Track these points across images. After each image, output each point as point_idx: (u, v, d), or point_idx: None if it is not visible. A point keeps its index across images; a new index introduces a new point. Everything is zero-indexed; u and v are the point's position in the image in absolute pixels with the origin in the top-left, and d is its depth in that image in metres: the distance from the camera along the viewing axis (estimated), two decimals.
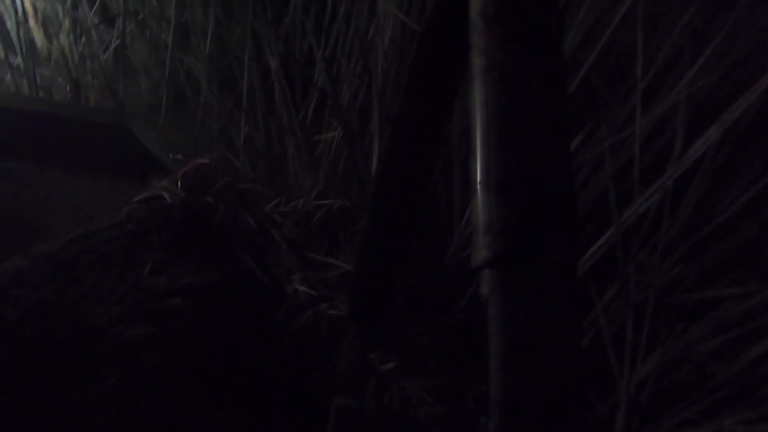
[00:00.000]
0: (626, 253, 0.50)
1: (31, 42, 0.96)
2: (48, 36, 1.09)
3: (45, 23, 1.10)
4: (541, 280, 0.21)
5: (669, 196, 0.46)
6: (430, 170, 0.35)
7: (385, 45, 0.67)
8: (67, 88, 1.02)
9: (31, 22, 1.02)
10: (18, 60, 0.97)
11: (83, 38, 1.06)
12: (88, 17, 1.01)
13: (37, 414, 0.53)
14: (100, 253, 0.64)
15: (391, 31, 0.68)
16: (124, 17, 0.97)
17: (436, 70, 0.31)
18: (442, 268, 0.66)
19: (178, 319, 0.60)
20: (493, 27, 0.23)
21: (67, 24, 1.06)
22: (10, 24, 1.02)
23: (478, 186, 0.23)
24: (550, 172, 0.22)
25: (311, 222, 0.71)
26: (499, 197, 0.22)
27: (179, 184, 0.73)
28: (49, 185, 0.83)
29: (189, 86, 0.95)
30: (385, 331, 0.61)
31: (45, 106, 0.86)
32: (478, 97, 0.23)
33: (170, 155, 0.83)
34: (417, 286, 0.65)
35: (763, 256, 0.56)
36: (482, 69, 0.23)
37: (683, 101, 0.46)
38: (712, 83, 0.57)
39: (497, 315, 0.21)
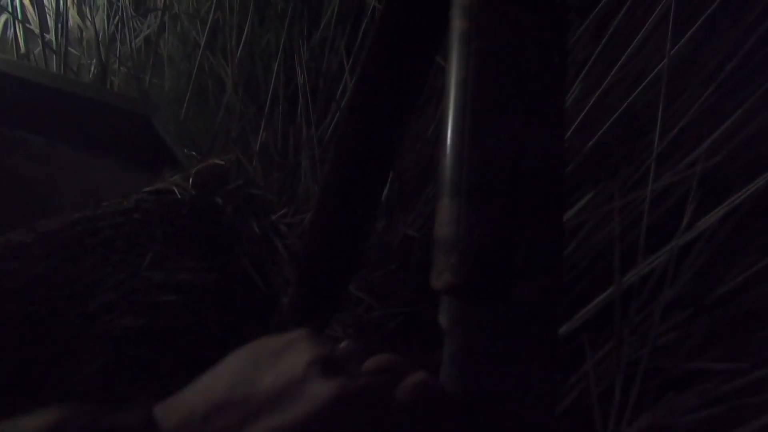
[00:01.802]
0: (624, 313, 0.50)
1: (66, 21, 0.98)
2: (82, 17, 1.11)
3: (80, 4, 1.13)
4: (516, 316, 0.16)
5: (674, 261, 0.47)
6: (383, 172, 0.29)
7: None
8: (94, 71, 1.03)
9: (69, 1, 1.05)
10: (50, 37, 0.99)
11: (116, 22, 1.08)
12: (125, 4, 1.03)
13: (13, 386, 0.52)
14: (103, 238, 0.64)
15: None
16: (162, 13, 0.99)
17: (401, 52, 0.23)
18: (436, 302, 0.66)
19: (170, 315, 0.59)
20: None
21: (103, 7, 1.09)
22: (47, 1, 1.04)
23: (445, 189, 0.17)
24: (539, 178, 0.16)
25: None
26: (470, 205, 0.17)
27: (191, 181, 0.73)
28: (61, 162, 0.83)
29: (213, 85, 0.96)
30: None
31: (69, 85, 0.87)
32: (455, 72, 0.17)
33: (186, 150, 0.84)
34: (409, 318, 0.65)
35: (757, 335, 0.57)
36: (463, 35, 0.17)
37: (696, 174, 0.48)
38: (725, 157, 0.59)
39: (454, 356, 0.17)
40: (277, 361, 0.18)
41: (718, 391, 0.54)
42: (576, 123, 0.64)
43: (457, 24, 0.17)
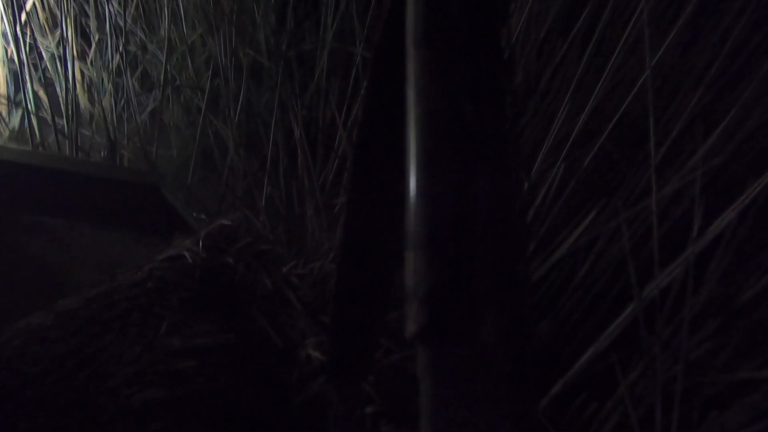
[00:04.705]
0: (650, 330, 0.48)
1: (76, 106, 1.04)
2: (91, 100, 1.18)
3: (90, 88, 1.20)
4: (476, 362, 0.16)
5: (691, 270, 0.45)
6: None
7: None
8: (104, 149, 1.08)
9: (78, 87, 1.11)
10: (62, 122, 1.04)
11: (123, 102, 1.14)
12: (130, 83, 1.09)
13: None
14: (120, 311, 0.65)
15: None
16: (163, 88, 1.05)
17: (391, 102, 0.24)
18: None
19: (190, 381, 0.59)
20: (421, 51, 0.19)
21: (109, 89, 1.15)
22: (59, 89, 1.11)
23: (409, 243, 0.19)
24: (486, 225, 0.17)
25: (327, 284, 0.71)
26: (424, 256, 0.18)
27: (201, 244, 0.75)
28: (79, 240, 0.86)
29: (217, 148, 1.00)
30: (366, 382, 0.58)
31: (81, 166, 0.91)
32: (410, 136, 0.19)
33: (195, 214, 0.86)
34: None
35: None
36: (412, 101, 0.19)
37: (698, 178, 0.47)
38: (725, 158, 0.57)
39: (425, 405, 0.17)
40: None
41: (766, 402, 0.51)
42: (572, 138, 0.64)
43: (409, 92, 0.19)
